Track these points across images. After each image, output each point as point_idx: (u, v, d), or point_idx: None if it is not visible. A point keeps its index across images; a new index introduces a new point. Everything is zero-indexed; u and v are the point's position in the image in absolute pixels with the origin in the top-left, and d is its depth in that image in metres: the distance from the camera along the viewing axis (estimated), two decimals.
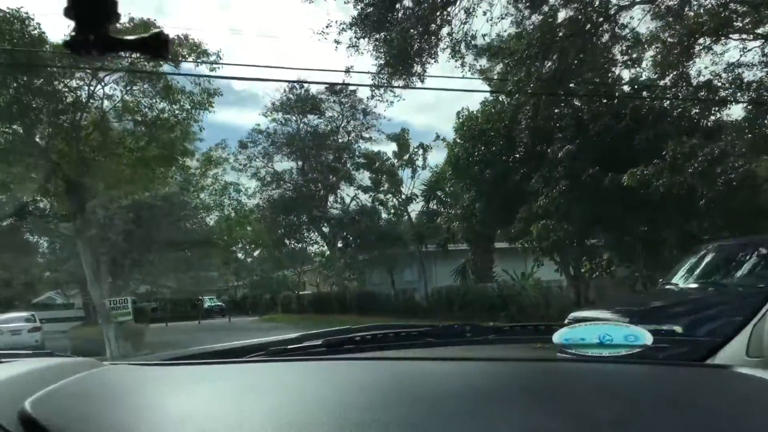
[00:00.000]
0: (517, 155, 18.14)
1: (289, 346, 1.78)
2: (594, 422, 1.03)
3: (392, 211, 30.07)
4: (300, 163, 35.71)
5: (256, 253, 59.08)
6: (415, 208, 29.75)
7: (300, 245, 40.45)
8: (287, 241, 38.34)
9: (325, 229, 36.01)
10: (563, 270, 18.94)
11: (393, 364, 1.53)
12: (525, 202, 16.97)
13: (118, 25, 1.04)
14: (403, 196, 29.35)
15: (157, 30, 1.08)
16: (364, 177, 32.26)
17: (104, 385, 1.33)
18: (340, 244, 35.09)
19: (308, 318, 36.64)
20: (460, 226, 21.84)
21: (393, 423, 1.03)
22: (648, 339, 1.48)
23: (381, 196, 29.77)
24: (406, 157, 28.89)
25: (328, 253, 39.45)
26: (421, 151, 28.93)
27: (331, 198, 35.63)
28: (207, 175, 40.97)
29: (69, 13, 1.01)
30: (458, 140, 19.43)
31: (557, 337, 1.52)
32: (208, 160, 40.65)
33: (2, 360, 1.52)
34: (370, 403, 1.15)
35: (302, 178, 35.69)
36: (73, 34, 1.04)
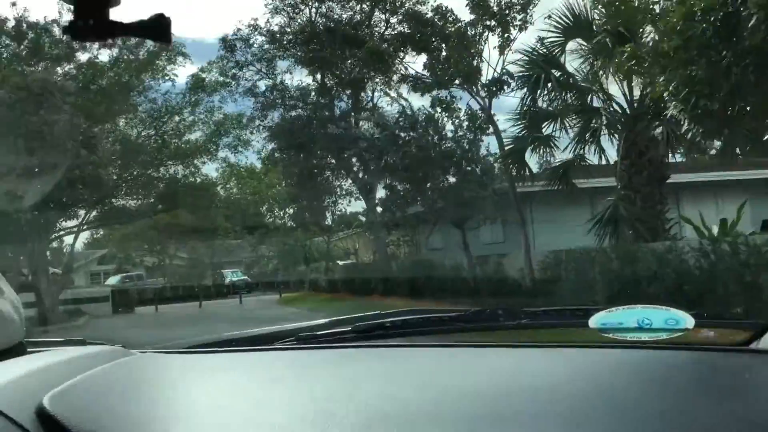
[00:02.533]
0: None
1: (318, 332, 1.73)
2: (644, 414, 1.00)
3: (464, 119, 17.31)
4: (316, 66, 23.35)
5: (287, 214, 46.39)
6: (506, 109, 17.08)
7: (327, 199, 28.44)
8: (306, 192, 26.47)
9: (359, 171, 23.83)
10: None
11: (425, 351, 1.52)
12: None
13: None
14: (484, 85, 16.32)
15: (158, 13, 1.01)
16: (415, 63, 19.25)
17: (128, 377, 1.31)
18: (381, 192, 22.82)
19: (337, 301, 24.88)
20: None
21: (427, 416, 1.01)
22: (689, 323, 1.41)
23: (443, 94, 17.12)
24: (495, 8, 15.61)
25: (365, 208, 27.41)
26: None
27: (363, 124, 23.26)
28: (199, 104, 29.08)
29: None
30: None
31: (593, 321, 1.46)
32: (197, 84, 28.82)
33: (31, 350, 1.36)
34: (402, 394, 1.14)
35: (320, 92, 23.48)
36: (72, 19, 0.98)
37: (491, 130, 16.67)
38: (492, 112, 16.48)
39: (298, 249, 44.06)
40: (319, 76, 24.22)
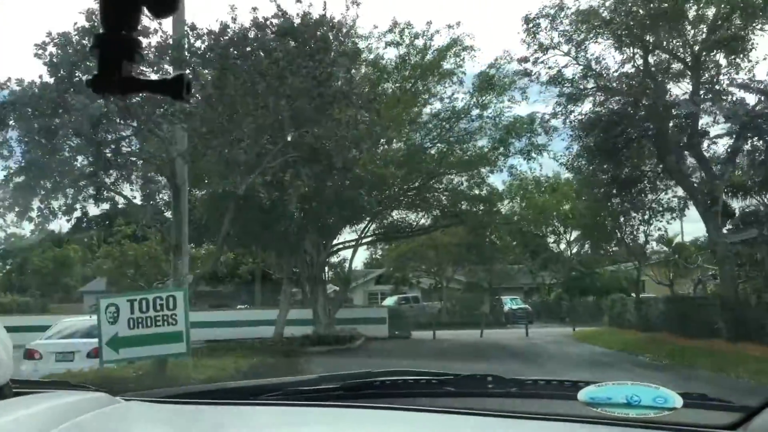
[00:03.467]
0: None
1: (305, 388, 1.74)
2: None
3: None
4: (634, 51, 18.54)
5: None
6: None
7: (639, 216, 23.19)
8: (612, 207, 21.83)
9: (699, 175, 18.45)
10: None
11: (411, 415, 1.53)
12: None
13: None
14: None
15: (179, 72, 1.11)
16: None
17: (114, 426, 1.31)
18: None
19: (661, 343, 19.44)
20: None
21: None
22: (678, 402, 1.44)
23: None
24: None
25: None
26: None
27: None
28: (487, 107, 25.59)
29: (93, 52, 1.03)
30: None
31: (583, 395, 1.49)
32: (486, 84, 25.44)
33: (18, 390, 1.42)
34: None
35: (646, 74, 18.60)
36: (95, 73, 1.05)
37: None
38: None
39: (591, 277, 38.77)
40: (641, 60, 19.36)
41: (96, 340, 8.72)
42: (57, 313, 37.26)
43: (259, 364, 13.66)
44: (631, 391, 1.45)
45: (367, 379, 1.77)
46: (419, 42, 24.67)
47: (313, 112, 10.82)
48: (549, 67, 20.37)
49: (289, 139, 11.50)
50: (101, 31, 1.03)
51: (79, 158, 11.46)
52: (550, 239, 44.97)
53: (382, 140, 20.64)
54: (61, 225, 57.69)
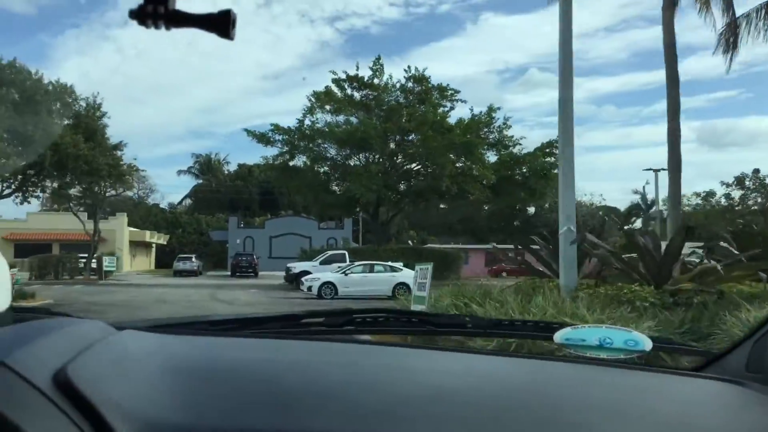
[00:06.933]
0: None
1: (291, 323, 1.79)
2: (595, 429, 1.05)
3: None
4: None
5: None
6: None
7: None
8: None
9: None
10: None
11: (393, 349, 1.54)
12: None
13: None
14: None
15: (226, 8, 1.03)
16: None
17: (126, 353, 1.34)
18: None
19: None
20: None
21: (381, 413, 1.06)
22: (648, 345, 1.48)
23: None
24: None
25: None
26: None
27: None
28: None
29: None
30: None
31: (558, 336, 1.53)
32: None
33: (20, 314, 1.39)
34: (363, 390, 1.17)
35: None
36: (141, 3, 1.02)
37: None
38: None
39: None
40: None
41: None
42: None
43: None
44: (604, 333, 1.49)
45: (348, 315, 1.80)
46: None
47: None
48: None
49: None
50: None
51: None
52: None
53: None
54: None
